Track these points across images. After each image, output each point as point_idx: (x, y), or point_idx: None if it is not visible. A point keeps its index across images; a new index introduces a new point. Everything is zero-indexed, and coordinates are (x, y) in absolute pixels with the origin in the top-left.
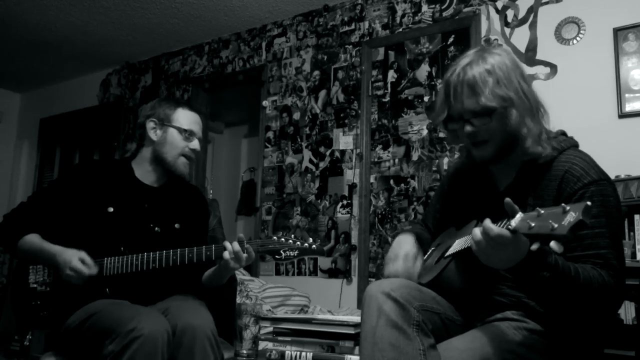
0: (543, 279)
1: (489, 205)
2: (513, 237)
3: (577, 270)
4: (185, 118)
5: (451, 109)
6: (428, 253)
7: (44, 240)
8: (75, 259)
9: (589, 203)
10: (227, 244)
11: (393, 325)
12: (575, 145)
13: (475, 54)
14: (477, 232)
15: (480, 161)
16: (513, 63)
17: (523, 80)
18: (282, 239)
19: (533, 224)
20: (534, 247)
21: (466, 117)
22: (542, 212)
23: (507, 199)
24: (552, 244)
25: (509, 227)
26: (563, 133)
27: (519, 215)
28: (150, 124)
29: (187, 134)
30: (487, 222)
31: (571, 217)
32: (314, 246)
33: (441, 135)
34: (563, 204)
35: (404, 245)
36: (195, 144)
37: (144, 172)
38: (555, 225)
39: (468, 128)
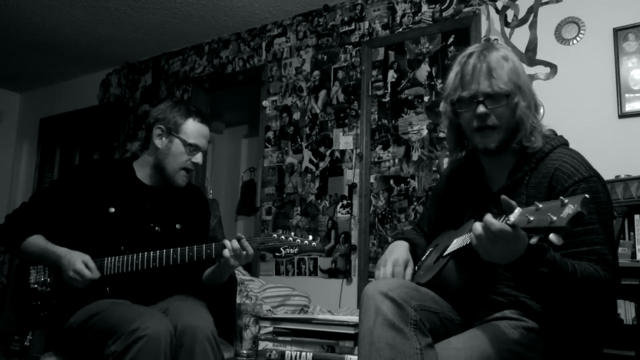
0: (542, 274)
1: (483, 205)
2: (513, 232)
3: (575, 267)
4: (193, 131)
5: (465, 90)
6: (426, 254)
7: (48, 241)
8: (79, 261)
9: (587, 195)
10: (226, 242)
11: (390, 325)
12: (565, 143)
13: (483, 44)
14: (477, 226)
15: (483, 150)
16: (517, 57)
17: (525, 75)
18: (282, 237)
19: (532, 218)
20: (534, 240)
21: (480, 99)
22: (541, 206)
23: (503, 196)
24: (552, 236)
25: (508, 222)
26: (553, 132)
27: (518, 210)
28: (157, 131)
29: (192, 148)
30: (489, 217)
31: (570, 209)
32: (313, 243)
33: (441, 135)
34: (561, 197)
35: (396, 252)
36: (198, 157)
37: (145, 174)
38: (554, 218)
39: (481, 108)
